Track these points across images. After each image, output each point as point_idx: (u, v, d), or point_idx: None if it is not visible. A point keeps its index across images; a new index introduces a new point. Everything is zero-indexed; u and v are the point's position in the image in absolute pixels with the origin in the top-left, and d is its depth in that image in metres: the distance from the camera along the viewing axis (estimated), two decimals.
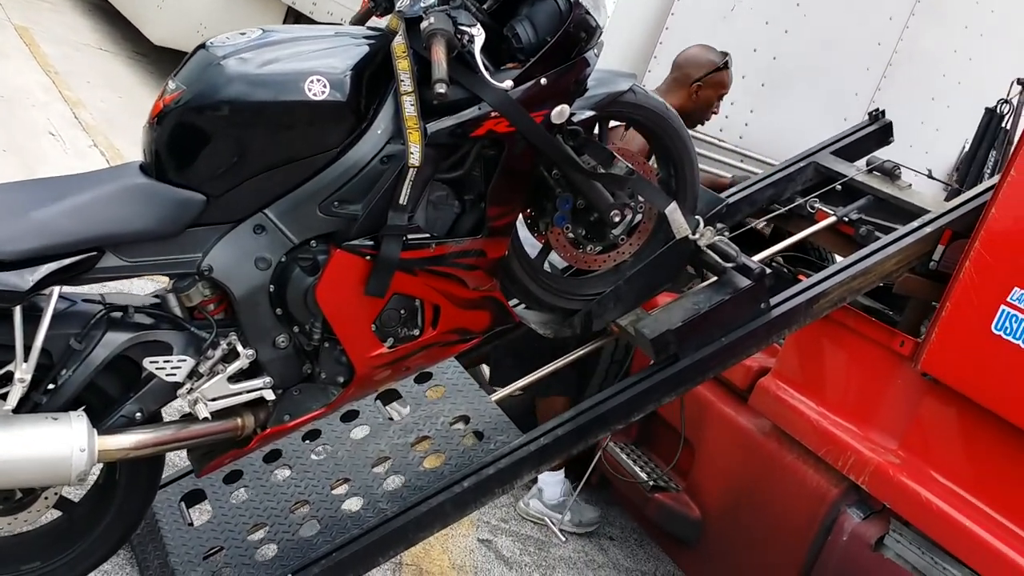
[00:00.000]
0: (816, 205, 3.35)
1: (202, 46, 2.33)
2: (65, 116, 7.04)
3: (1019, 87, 3.97)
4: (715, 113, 3.86)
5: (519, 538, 3.90)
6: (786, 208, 3.38)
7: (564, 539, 3.93)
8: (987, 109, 4.00)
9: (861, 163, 3.46)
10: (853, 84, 4.78)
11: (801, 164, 3.48)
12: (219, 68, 2.25)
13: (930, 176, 3.41)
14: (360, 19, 2.65)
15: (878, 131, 3.58)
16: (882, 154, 3.54)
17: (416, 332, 2.56)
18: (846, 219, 3.22)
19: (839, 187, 3.43)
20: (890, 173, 3.31)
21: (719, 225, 3.07)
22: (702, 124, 3.88)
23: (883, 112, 3.61)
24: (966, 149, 4.26)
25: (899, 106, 4.89)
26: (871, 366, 3.04)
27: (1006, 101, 4.02)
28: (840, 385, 3.14)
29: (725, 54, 3.75)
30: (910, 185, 3.31)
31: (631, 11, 4.14)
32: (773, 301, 2.86)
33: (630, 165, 2.62)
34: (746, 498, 3.26)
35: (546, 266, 2.88)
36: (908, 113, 4.99)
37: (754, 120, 4.60)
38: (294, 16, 7.11)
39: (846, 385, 3.13)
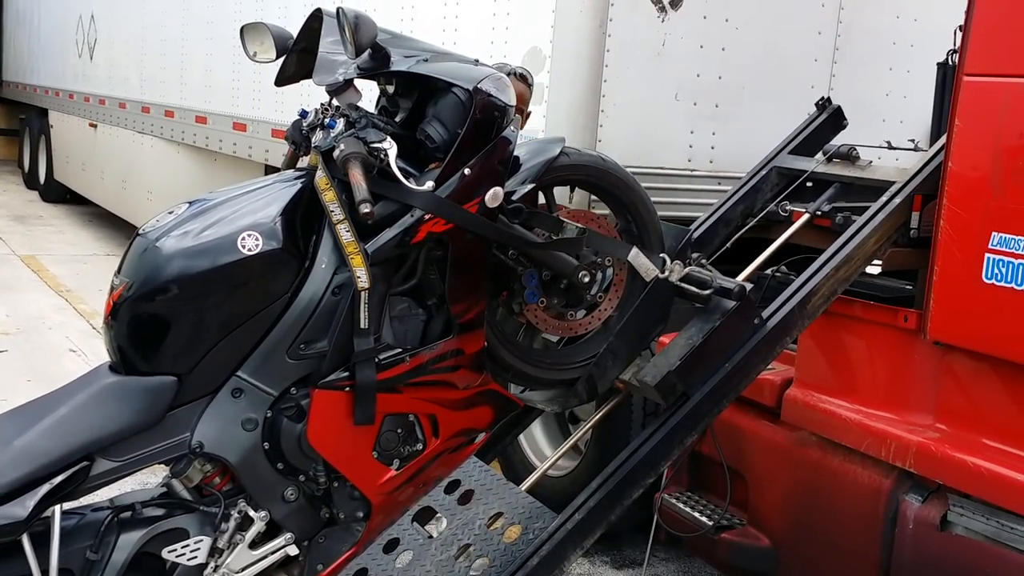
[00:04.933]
0: (788, 207, 3.33)
1: (137, 234, 2.39)
2: (83, 330, 7.21)
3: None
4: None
5: None
6: (759, 218, 3.35)
7: None
8: (938, 64, 3.96)
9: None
10: (806, 78, 4.76)
11: (763, 172, 3.47)
12: (155, 251, 2.30)
13: (890, 147, 3.37)
14: (289, 163, 2.71)
15: (830, 119, 3.56)
16: (855, 135, 3.49)
17: (419, 447, 2.56)
18: (819, 212, 3.19)
19: (809, 184, 3.41)
20: (847, 156, 3.29)
21: (694, 255, 3.06)
22: None
23: (829, 99, 3.59)
24: None
25: (859, 84, 4.89)
26: (884, 348, 2.98)
27: (955, 51, 3.97)
28: (861, 376, 3.08)
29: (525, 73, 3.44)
30: (871, 162, 3.28)
31: (564, 74, 4.18)
32: (766, 313, 2.83)
33: (579, 225, 2.62)
34: (807, 513, 3.18)
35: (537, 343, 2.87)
36: (870, 89, 4.97)
37: (719, 142, 4.58)
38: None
39: (867, 374, 3.06)
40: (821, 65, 4.85)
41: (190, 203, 2.41)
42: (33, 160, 13.70)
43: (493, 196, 2.45)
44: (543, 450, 4.54)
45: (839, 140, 3.55)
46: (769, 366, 2.99)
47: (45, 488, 2.17)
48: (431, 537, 3.01)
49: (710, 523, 3.42)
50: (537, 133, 4.10)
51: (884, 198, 2.94)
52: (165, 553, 2.36)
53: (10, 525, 2.12)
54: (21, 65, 14.61)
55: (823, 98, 3.61)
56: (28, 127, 14.12)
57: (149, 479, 3.68)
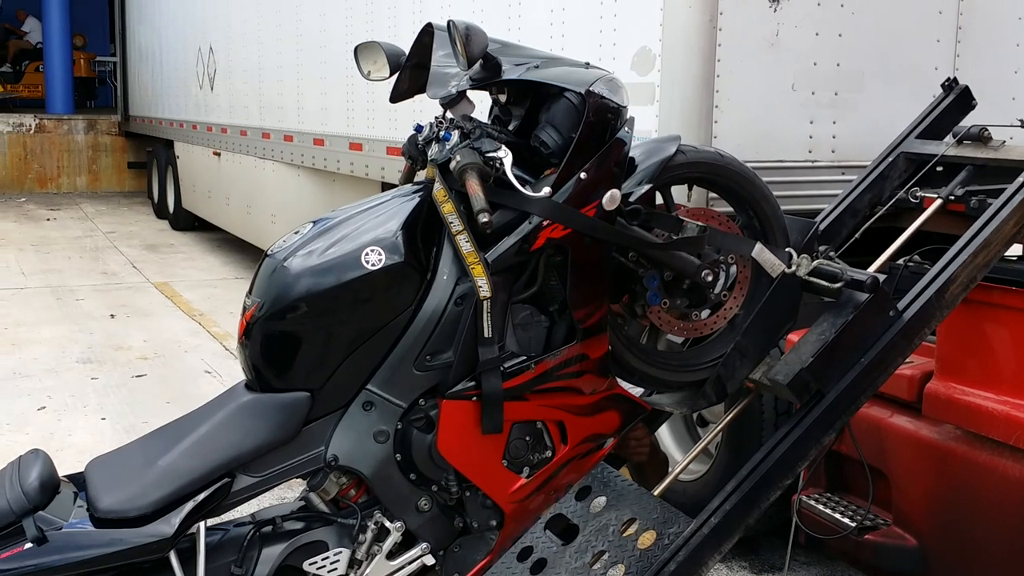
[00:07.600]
0: (919, 193, 3.21)
1: (265, 255, 2.45)
2: (216, 351, 7.44)
3: None
4: None
5: None
6: (888, 206, 3.24)
7: None
8: None
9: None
10: (928, 60, 4.60)
11: (889, 159, 3.35)
12: (284, 271, 2.35)
13: (1023, 125, 3.22)
14: (406, 178, 2.74)
15: (957, 100, 3.42)
16: (985, 115, 3.35)
17: (548, 454, 2.55)
18: (952, 197, 3.06)
19: (939, 168, 3.28)
20: (979, 137, 3.15)
21: (822, 247, 2.97)
22: None
23: (955, 80, 3.45)
24: None
25: (985, 63, 4.70)
26: None
27: None
28: (1006, 365, 2.94)
29: None
30: (1003, 142, 3.13)
31: (675, 72, 4.13)
32: (902, 304, 2.72)
33: (699, 223, 2.57)
34: (955, 510, 3.05)
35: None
36: (997, 67, 4.77)
37: (840, 130, 4.46)
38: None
39: (1011, 363, 2.92)
40: (944, 46, 4.67)
41: (314, 222, 2.46)
42: (161, 190, 14.23)
43: (610, 199, 2.43)
44: (672, 454, 4.48)
45: (968, 121, 3.41)
46: (907, 359, 2.88)
47: (189, 505, 2.24)
48: (564, 545, 2.99)
49: (852, 524, 3.31)
50: (650, 133, 4.06)
51: (1021, 178, 2.80)
52: (306, 566, 2.40)
53: (158, 542, 2.20)
54: (146, 100, 15.22)
55: (949, 79, 3.47)
56: (155, 159, 14.69)
57: (286, 494, 3.76)
